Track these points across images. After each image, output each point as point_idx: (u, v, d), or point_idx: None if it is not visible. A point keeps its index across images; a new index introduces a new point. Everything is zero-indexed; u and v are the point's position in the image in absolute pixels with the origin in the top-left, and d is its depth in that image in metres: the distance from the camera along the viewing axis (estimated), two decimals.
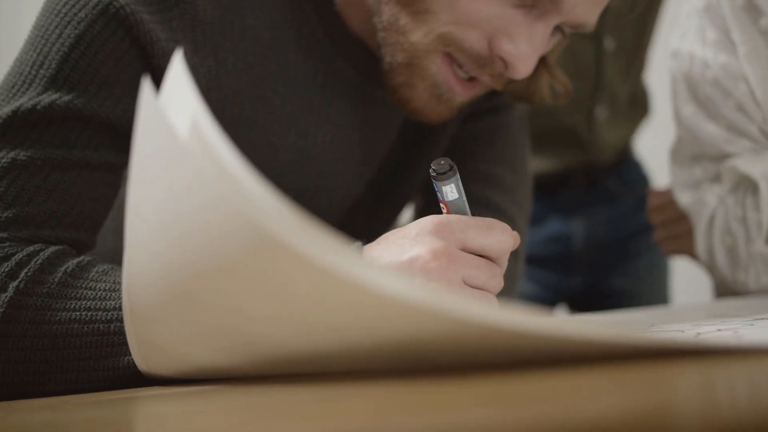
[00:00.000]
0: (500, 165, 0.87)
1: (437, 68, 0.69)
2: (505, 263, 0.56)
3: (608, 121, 1.38)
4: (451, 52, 0.69)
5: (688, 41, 0.94)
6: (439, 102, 0.72)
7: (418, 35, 0.68)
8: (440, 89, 0.71)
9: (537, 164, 1.37)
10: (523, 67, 0.68)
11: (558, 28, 0.70)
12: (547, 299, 1.46)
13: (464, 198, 0.56)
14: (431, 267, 0.51)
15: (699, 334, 0.52)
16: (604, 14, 1.17)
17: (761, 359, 0.35)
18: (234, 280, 0.39)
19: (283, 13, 0.72)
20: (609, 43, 1.33)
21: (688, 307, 0.86)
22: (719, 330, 0.53)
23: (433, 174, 0.54)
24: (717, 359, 0.36)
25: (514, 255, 0.86)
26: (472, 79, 0.71)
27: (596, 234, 1.44)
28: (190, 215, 0.38)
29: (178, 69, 0.40)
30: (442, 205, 0.56)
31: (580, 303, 1.48)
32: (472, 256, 0.53)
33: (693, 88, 0.94)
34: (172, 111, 0.38)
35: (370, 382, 0.39)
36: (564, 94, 0.81)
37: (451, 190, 0.55)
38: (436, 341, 0.37)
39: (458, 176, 0.55)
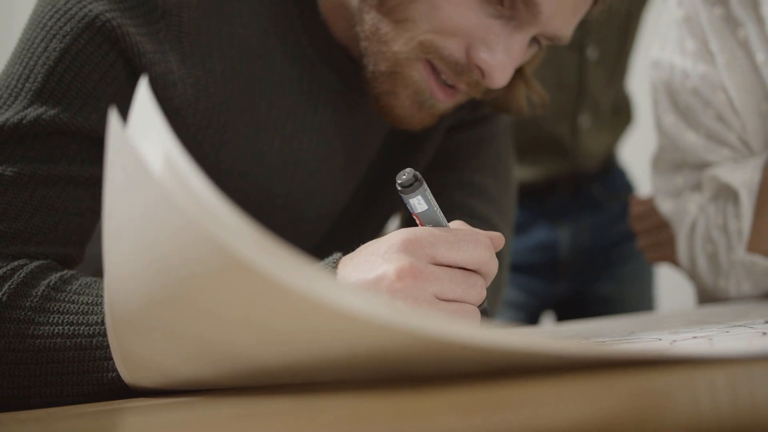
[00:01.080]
0: (484, 174, 0.88)
1: (420, 75, 0.70)
2: (488, 273, 0.54)
3: (592, 130, 1.40)
4: (431, 59, 0.70)
5: (668, 51, 0.95)
6: (421, 109, 0.73)
7: (399, 44, 0.69)
8: (423, 96, 0.72)
9: (522, 173, 1.38)
10: (499, 76, 0.69)
11: (535, 40, 0.71)
12: (534, 306, 1.47)
13: (436, 208, 0.54)
14: (396, 287, 0.50)
15: (675, 341, 0.53)
16: (587, 23, 1.19)
17: (729, 366, 0.36)
18: (208, 299, 0.40)
19: (269, 21, 0.73)
20: (592, 52, 1.34)
21: (670, 314, 0.87)
22: (695, 337, 0.54)
23: (399, 187, 0.52)
24: (685, 367, 0.37)
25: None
26: (452, 87, 0.72)
27: (582, 241, 1.45)
28: (164, 239, 0.39)
29: (143, 97, 0.41)
30: (414, 217, 0.55)
31: (567, 310, 1.49)
32: (444, 269, 0.52)
33: (673, 98, 0.95)
34: (141, 140, 0.39)
35: (347, 391, 0.40)
36: (540, 105, 0.82)
37: (419, 202, 0.53)
38: (402, 356, 0.38)
39: (425, 187, 0.53)
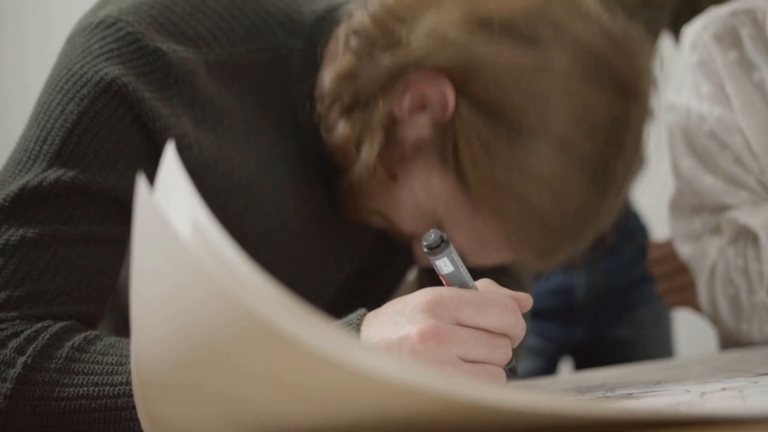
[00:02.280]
0: None
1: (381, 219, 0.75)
2: (514, 336, 0.54)
3: None
4: None
5: (683, 95, 0.95)
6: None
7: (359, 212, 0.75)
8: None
9: None
10: None
11: None
12: (552, 352, 1.45)
13: (463, 269, 0.53)
14: (419, 350, 0.50)
15: (704, 394, 0.52)
16: None
17: (764, 426, 0.35)
18: (236, 362, 0.40)
19: (271, 99, 0.73)
20: None
21: (693, 361, 0.86)
22: (724, 389, 0.53)
23: (425, 249, 0.52)
24: (721, 426, 0.36)
25: None
26: None
27: (598, 285, 1.43)
28: (193, 307, 0.39)
29: (170, 162, 0.41)
30: (441, 278, 0.55)
31: (585, 355, 1.48)
32: (469, 330, 0.52)
33: (690, 141, 0.95)
34: (169, 206, 0.39)
35: None
36: None
37: (445, 264, 0.53)
38: (427, 417, 0.37)
39: (452, 248, 0.52)
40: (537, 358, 1.44)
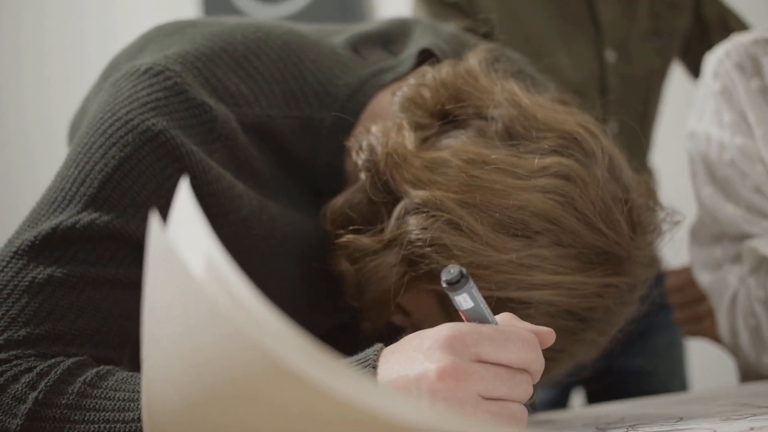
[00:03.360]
0: None
1: None
2: (534, 372, 0.53)
3: None
4: None
5: (704, 123, 0.94)
6: None
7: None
8: None
9: None
10: None
11: None
12: (563, 383, 1.44)
13: (483, 303, 0.52)
14: (437, 388, 0.49)
15: None
16: (606, 98, 1.20)
17: None
18: (250, 405, 0.39)
19: (297, 166, 0.74)
20: (612, 126, 1.34)
21: (713, 395, 0.84)
22: (752, 429, 0.52)
23: (444, 284, 0.50)
24: None
25: None
26: None
27: None
28: (207, 347, 0.38)
29: (184, 199, 0.40)
30: (460, 313, 0.53)
31: (597, 384, 1.46)
32: (489, 366, 0.51)
33: (711, 170, 0.93)
34: (183, 244, 0.38)
35: None
36: None
37: (464, 300, 0.51)
38: None
39: (471, 284, 0.51)
40: (549, 389, 1.42)
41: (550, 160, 0.67)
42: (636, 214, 0.71)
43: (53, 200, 0.64)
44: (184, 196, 0.40)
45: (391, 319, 0.73)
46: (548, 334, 0.54)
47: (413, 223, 0.66)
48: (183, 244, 0.38)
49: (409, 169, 0.67)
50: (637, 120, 1.37)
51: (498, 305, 0.65)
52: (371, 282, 0.68)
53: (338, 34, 0.80)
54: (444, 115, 0.71)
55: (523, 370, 0.52)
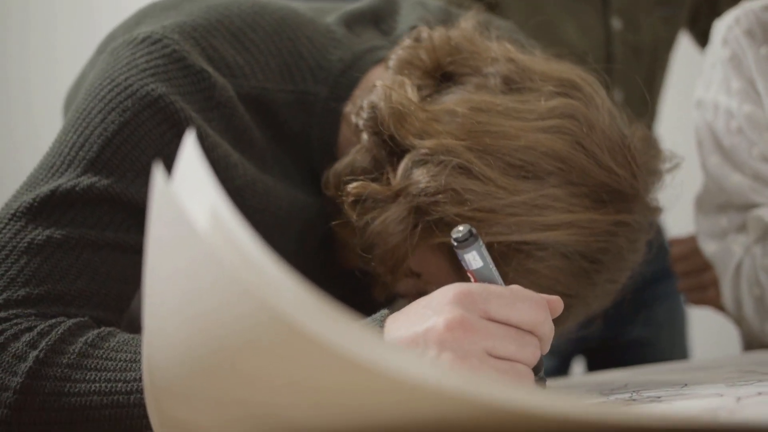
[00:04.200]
0: None
1: None
2: (543, 335, 0.53)
3: None
4: None
5: (712, 91, 0.93)
6: None
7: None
8: None
9: None
10: None
11: None
12: (564, 351, 1.44)
13: (491, 265, 0.53)
14: (445, 338, 0.49)
15: (739, 398, 0.50)
16: (611, 66, 1.19)
17: None
18: (251, 358, 0.38)
19: (289, 140, 0.74)
20: (617, 95, 1.32)
21: (718, 362, 0.84)
22: (760, 393, 0.52)
23: (454, 243, 0.51)
24: None
25: None
26: None
27: None
28: (214, 307, 0.37)
29: (191, 152, 0.39)
30: (469, 274, 0.54)
31: (598, 354, 1.46)
32: (498, 325, 0.51)
33: (717, 138, 0.93)
34: (188, 198, 0.37)
35: None
36: None
37: (473, 258, 0.52)
38: (454, 421, 0.36)
39: (480, 243, 0.51)
40: (550, 357, 1.42)
41: (554, 101, 0.67)
42: (638, 154, 0.71)
43: (52, 165, 0.64)
44: (190, 149, 0.39)
45: (401, 282, 0.73)
46: (557, 303, 0.54)
47: (421, 172, 0.66)
48: (188, 199, 0.37)
49: (414, 122, 0.67)
50: (642, 90, 1.36)
51: (512, 249, 0.66)
52: (382, 235, 0.68)
53: (332, 12, 0.80)
54: (441, 75, 0.71)
55: (532, 334, 0.52)
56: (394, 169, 0.68)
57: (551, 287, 0.68)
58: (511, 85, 0.68)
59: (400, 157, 0.68)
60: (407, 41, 0.74)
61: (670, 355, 1.40)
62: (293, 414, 0.41)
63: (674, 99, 1.47)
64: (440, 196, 0.66)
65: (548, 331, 0.53)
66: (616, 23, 1.30)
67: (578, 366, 1.58)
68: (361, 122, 0.70)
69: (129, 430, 0.53)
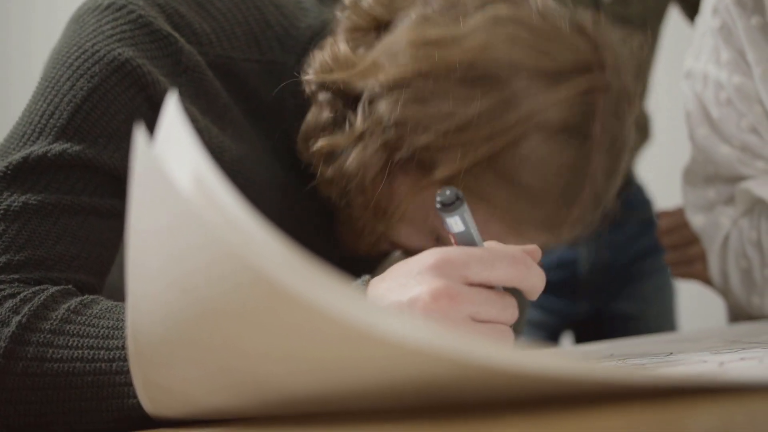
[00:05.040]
0: None
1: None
2: (529, 288, 0.53)
3: None
4: None
5: (701, 62, 0.93)
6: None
7: (361, 236, 0.73)
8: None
9: None
10: None
11: None
12: (553, 325, 1.45)
13: (473, 229, 0.52)
14: (431, 308, 0.49)
15: (722, 363, 0.50)
16: None
17: None
18: (234, 320, 0.38)
19: (261, 109, 0.73)
20: None
21: (704, 334, 0.84)
22: (743, 359, 0.51)
23: (438, 205, 0.51)
24: (742, 395, 0.34)
25: None
26: None
27: (601, 258, 1.43)
28: (199, 269, 0.37)
29: (173, 114, 0.39)
30: (450, 236, 0.54)
31: (586, 329, 1.47)
32: (478, 290, 0.51)
33: (706, 109, 0.92)
34: (170, 160, 0.37)
35: (377, 423, 0.38)
36: None
37: (456, 222, 0.51)
38: (438, 381, 0.36)
39: (465, 207, 0.51)
40: (538, 331, 1.44)
41: (486, 10, 0.69)
42: (590, 25, 0.72)
43: (22, 134, 0.64)
44: (172, 111, 0.39)
45: (402, 233, 0.73)
46: (534, 251, 0.55)
47: (379, 109, 0.67)
48: (171, 161, 0.37)
49: (361, 67, 0.68)
50: None
51: (493, 162, 0.67)
52: (357, 176, 0.69)
53: None
54: (384, 26, 0.72)
55: (510, 295, 0.53)
56: (355, 115, 0.69)
57: (538, 162, 0.69)
58: (444, 8, 0.70)
59: (356, 102, 0.69)
60: (347, 2, 0.74)
61: (657, 329, 1.41)
62: (278, 377, 0.40)
63: (664, 71, 1.47)
64: (403, 127, 0.66)
65: (533, 281, 0.53)
66: None
67: (567, 341, 1.59)
68: (312, 81, 0.71)
69: (112, 396, 0.52)
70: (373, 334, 0.33)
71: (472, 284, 0.51)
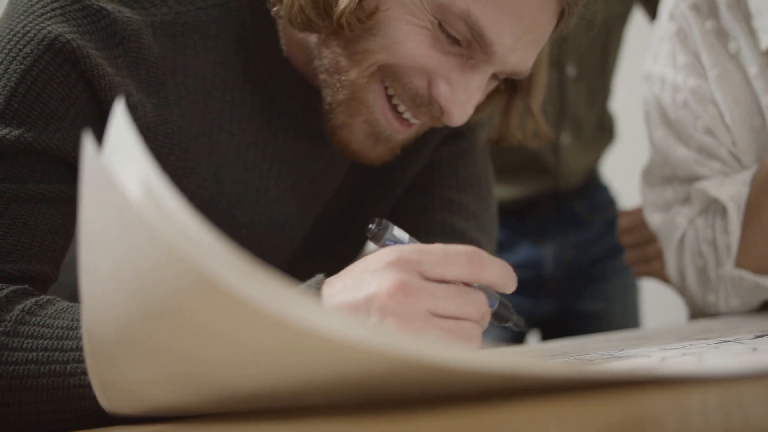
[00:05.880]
0: (464, 192, 0.87)
1: (374, 97, 0.70)
2: (488, 282, 0.53)
3: (573, 148, 1.39)
4: (388, 85, 0.69)
5: (659, 65, 0.94)
6: (377, 142, 0.72)
7: (357, 71, 0.68)
8: (377, 127, 0.71)
9: (505, 191, 1.37)
10: (459, 114, 0.69)
11: (494, 75, 0.71)
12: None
13: (413, 240, 0.55)
14: (387, 304, 0.49)
15: (664, 359, 0.52)
16: (565, 42, 1.19)
17: (721, 386, 0.35)
18: (183, 322, 0.39)
19: (227, 53, 0.72)
20: (571, 71, 1.34)
21: (660, 331, 0.86)
22: (684, 354, 0.53)
23: (370, 239, 0.54)
24: (676, 387, 0.35)
25: None
26: (407, 120, 0.72)
27: (566, 258, 1.44)
28: (147, 272, 0.38)
29: (120, 121, 0.39)
30: None
31: (552, 327, 1.49)
32: (438, 285, 0.51)
33: (664, 111, 0.94)
34: (117, 163, 0.38)
35: (333, 416, 0.39)
36: (545, 138, 0.84)
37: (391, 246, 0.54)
38: (386, 379, 0.37)
39: (391, 231, 0.54)
40: (505, 330, 1.44)
41: None
42: None
43: None
44: (119, 118, 0.40)
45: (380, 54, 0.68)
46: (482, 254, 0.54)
47: None
48: (118, 163, 0.38)
49: None
50: (596, 65, 1.38)
51: None
52: None
53: None
54: None
55: (478, 291, 0.53)
56: None
57: None
58: None
59: None
60: None
61: (622, 327, 1.43)
62: (221, 372, 0.41)
63: (628, 73, 1.49)
64: None
65: (494, 277, 0.53)
66: None
67: (534, 339, 1.60)
68: None
69: (68, 398, 0.53)
70: (311, 333, 0.34)
71: (430, 280, 0.51)
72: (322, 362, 0.37)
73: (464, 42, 0.66)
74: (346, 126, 0.71)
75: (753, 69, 0.89)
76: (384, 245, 0.53)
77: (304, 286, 0.55)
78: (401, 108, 0.71)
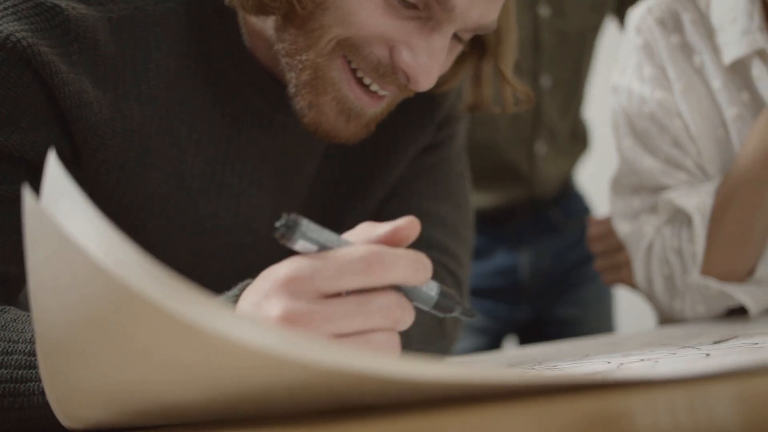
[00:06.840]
0: (441, 202, 0.87)
1: (338, 74, 0.68)
2: (400, 278, 0.47)
3: (548, 156, 1.41)
4: (350, 59, 0.68)
5: (627, 77, 0.97)
6: (349, 120, 0.70)
7: (316, 49, 0.67)
8: (348, 103, 0.69)
9: (481, 199, 1.39)
10: (425, 79, 0.67)
11: (456, 36, 0.70)
12: (496, 330, 1.47)
13: (326, 238, 0.47)
14: None
15: (622, 364, 0.54)
16: (540, 53, 1.20)
17: (671, 388, 0.37)
18: (107, 336, 0.40)
19: (189, 45, 0.72)
20: (545, 81, 1.36)
21: (628, 337, 0.88)
22: (642, 360, 0.55)
23: (279, 240, 0.47)
24: (627, 390, 0.37)
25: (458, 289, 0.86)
26: (376, 92, 0.70)
27: (542, 265, 1.46)
28: (66, 282, 0.40)
29: (54, 169, 0.40)
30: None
31: (529, 333, 1.50)
32: (336, 302, 0.46)
33: (631, 123, 0.96)
34: (61, 216, 0.39)
35: (275, 425, 0.40)
36: (527, 101, 0.81)
37: (303, 246, 0.47)
38: (308, 389, 0.38)
39: (303, 229, 0.46)
40: (481, 336, 1.46)
41: None
42: None
43: None
44: (53, 166, 0.41)
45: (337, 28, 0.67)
46: (408, 227, 0.50)
47: None
48: (61, 216, 0.39)
49: None
50: (570, 75, 1.40)
51: None
52: None
53: None
54: None
55: (390, 293, 0.47)
56: None
57: None
58: None
59: None
60: None
61: (596, 332, 1.44)
62: (151, 387, 0.42)
63: (601, 82, 1.51)
64: None
65: (401, 275, 0.47)
66: (544, 10, 1.33)
67: (510, 345, 1.62)
68: None
69: (20, 407, 0.52)
70: (228, 342, 0.35)
71: (327, 296, 0.46)
72: (235, 369, 0.38)
73: (421, 3, 0.65)
74: (315, 106, 0.70)
75: (716, 83, 0.91)
76: (296, 247, 0.47)
77: (228, 294, 0.52)
78: (367, 81, 0.69)
